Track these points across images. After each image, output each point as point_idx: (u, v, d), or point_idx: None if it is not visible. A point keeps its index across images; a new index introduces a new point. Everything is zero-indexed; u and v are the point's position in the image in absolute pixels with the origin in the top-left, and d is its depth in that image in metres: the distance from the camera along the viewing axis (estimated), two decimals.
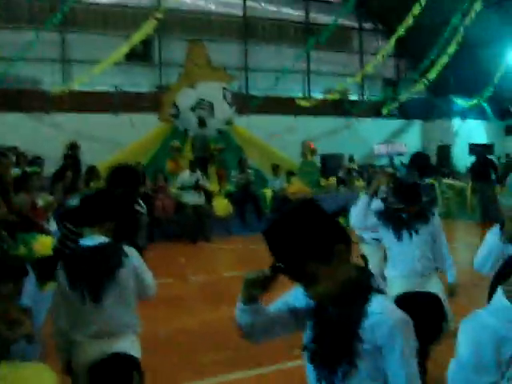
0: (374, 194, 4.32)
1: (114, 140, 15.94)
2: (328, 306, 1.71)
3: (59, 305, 3.10)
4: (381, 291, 1.71)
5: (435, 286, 4.00)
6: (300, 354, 1.79)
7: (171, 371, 4.93)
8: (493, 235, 2.96)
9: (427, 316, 3.42)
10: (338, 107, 22.14)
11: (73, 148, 12.85)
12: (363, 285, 1.69)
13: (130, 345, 3.07)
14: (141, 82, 20.01)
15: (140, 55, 20.17)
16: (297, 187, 13.46)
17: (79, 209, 3.24)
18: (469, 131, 23.19)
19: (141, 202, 4.72)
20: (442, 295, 3.95)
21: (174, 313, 6.72)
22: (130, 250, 3.18)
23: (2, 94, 16.84)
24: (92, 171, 11.04)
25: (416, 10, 15.50)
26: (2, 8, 17.53)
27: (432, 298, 3.86)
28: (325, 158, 18.38)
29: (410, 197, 4.05)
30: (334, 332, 1.68)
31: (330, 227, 1.67)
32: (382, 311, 1.63)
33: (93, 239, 3.06)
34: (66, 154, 12.22)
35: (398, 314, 1.65)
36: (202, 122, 14.06)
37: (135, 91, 19.29)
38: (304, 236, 1.63)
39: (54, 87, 16.84)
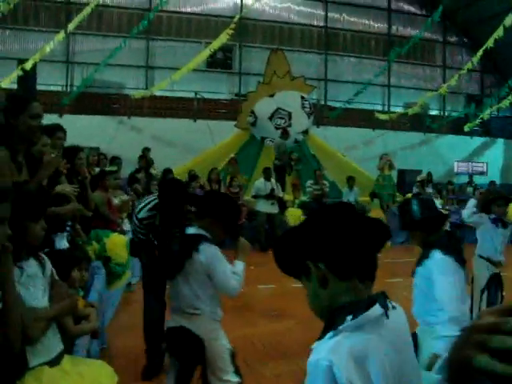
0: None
1: (191, 145, 16.17)
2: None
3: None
4: None
5: None
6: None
7: None
8: None
9: None
10: (418, 122, 21.63)
11: (145, 151, 13.17)
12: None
13: (196, 325, 3.43)
14: (220, 89, 20.28)
15: (220, 63, 20.47)
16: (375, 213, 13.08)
17: (200, 201, 3.84)
18: None
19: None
20: None
21: (239, 321, 6.65)
22: (206, 248, 3.45)
23: (89, 98, 17.51)
24: (167, 173, 11.21)
25: (508, 21, 14.86)
26: (94, 17, 18.20)
27: None
28: (402, 173, 17.94)
29: None
30: None
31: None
32: None
33: (193, 230, 3.55)
34: (141, 156, 12.53)
35: None
36: (285, 132, 14.02)
37: (214, 98, 19.54)
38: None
39: (136, 92, 17.32)
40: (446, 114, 23.96)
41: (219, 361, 3.47)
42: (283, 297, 8.08)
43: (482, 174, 21.55)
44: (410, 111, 19.88)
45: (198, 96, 18.57)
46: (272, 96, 15.12)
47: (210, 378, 3.44)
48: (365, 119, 20.50)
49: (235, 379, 3.52)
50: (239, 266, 3.47)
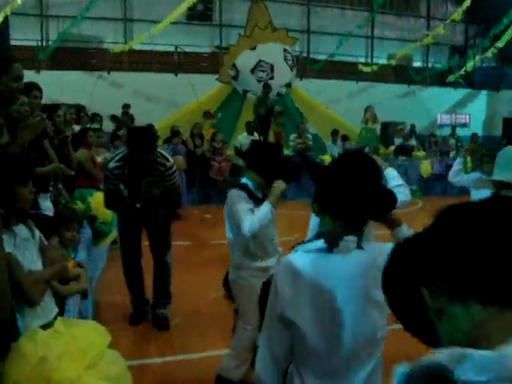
0: None
1: (172, 100, 15.96)
2: None
3: None
4: None
5: None
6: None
7: (219, 335, 4.89)
8: None
9: None
10: (401, 74, 21.51)
11: (125, 107, 12.97)
12: None
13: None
14: (201, 42, 19.87)
15: (200, 15, 20.00)
16: None
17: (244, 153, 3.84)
18: None
19: (164, 153, 4.98)
20: None
21: (223, 272, 6.68)
22: (230, 193, 3.67)
23: (66, 53, 17.11)
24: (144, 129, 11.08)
25: None
26: None
27: None
28: (385, 126, 17.91)
29: None
30: None
31: None
32: None
33: (244, 180, 3.63)
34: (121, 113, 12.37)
35: None
36: (267, 87, 13.79)
37: (195, 51, 19.19)
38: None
39: (115, 46, 16.94)
40: (430, 65, 23.80)
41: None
42: None
43: (464, 125, 21.57)
44: (394, 61, 19.73)
45: (178, 49, 18.21)
46: (254, 49, 14.89)
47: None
48: (348, 71, 20.31)
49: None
50: (263, 207, 3.44)
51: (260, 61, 14.72)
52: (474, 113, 22.23)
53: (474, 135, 16.67)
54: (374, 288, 1.69)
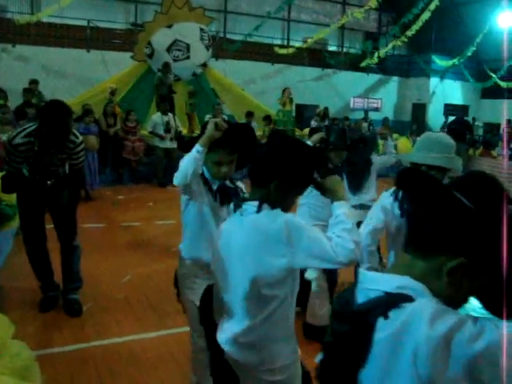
0: None
1: (84, 77, 15.38)
2: None
3: None
4: None
5: None
6: None
7: (135, 319, 4.77)
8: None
9: None
10: (316, 57, 21.79)
11: (32, 83, 12.35)
12: None
13: None
14: (115, 18, 19.19)
15: None
16: None
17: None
18: (445, 91, 23.09)
19: (76, 132, 4.75)
20: None
21: (138, 258, 6.55)
22: None
23: None
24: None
25: None
26: None
27: None
28: (300, 108, 18.10)
29: None
30: None
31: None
32: None
33: None
34: (26, 89, 11.76)
35: None
36: (167, 66, 13.48)
37: (109, 27, 18.53)
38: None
39: (20, 17, 16.02)
40: (345, 50, 24.27)
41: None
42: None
43: (376, 110, 22.23)
44: (309, 42, 19.90)
45: (91, 24, 17.52)
46: (170, 27, 14.52)
47: None
48: (264, 53, 20.35)
49: None
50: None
51: (176, 40, 14.38)
52: (386, 98, 22.95)
53: (386, 119, 17.15)
54: (260, 248, 2.00)
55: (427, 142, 3.08)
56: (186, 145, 3.10)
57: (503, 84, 19.60)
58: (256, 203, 2.06)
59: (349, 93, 21.86)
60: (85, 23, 17.46)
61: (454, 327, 1.07)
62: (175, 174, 2.84)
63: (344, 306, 1.25)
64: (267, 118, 14.20)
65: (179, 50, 14.50)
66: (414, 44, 22.51)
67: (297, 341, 2.26)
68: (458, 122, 15.63)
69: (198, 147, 2.81)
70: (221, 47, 18.69)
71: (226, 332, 2.17)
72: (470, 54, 18.57)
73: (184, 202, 3.16)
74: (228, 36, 20.85)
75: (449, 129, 15.78)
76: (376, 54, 20.43)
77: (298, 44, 21.38)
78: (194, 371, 3.26)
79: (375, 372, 1.17)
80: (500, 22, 18.09)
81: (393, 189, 3.21)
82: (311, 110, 18.23)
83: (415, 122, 21.27)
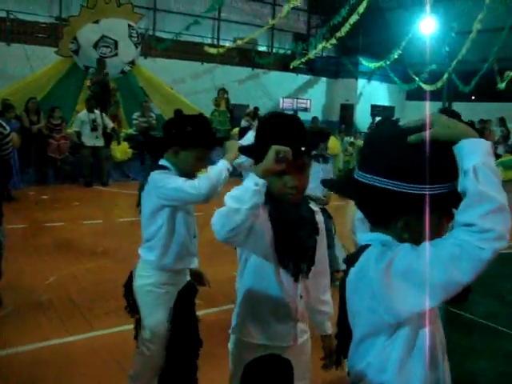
0: None
1: (4, 72, 14.75)
2: None
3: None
4: None
5: None
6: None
7: (60, 322, 4.58)
8: None
9: None
10: (246, 57, 21.86)
11: None
12: None
13: None
14: (38, 10, 18.48)
15: None
16: None
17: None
18: (372, 92, 23.69)
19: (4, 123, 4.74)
20: None
21: (64, 258, 6.33)
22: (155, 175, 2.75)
23: None
24: None
25: None
26: None
27: None
28: (231, 108, 18.07)
29: None
30: None
31: None
32: None
33: None
34: None
35: None
36: (101, 63, 13.15)
37: (31, 20, 17.84)
38: None
39: None
40: (274, 51, 24.45)
41: None
42: (109, 233, 7.83)
43: (305, 110, 22.56)
44: (239, 42, 19.91)
45: (11, 16, 16.82)
46: (97, 22, 14.11)
47: None
48: (194, 52, 20.23)
49: None
50: (217, 164, 2.61)
51: (103, 36, 13.99)
52: (315, 98, 23.33)
53: (315, 118, 17.37)
54: None
55: None
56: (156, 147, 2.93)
57: (426, 87, 20.30)
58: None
59: (278, 93, 22.06)
60: (4, 14, 16.74)
61: (393, 255, 1.27)
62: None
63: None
64: None
65: (107, 47, 14.13)
66: (342, 46, 22.99)
67: None
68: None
69: (226, 165, 2.53)
70: (150, 45, 18.43)
71: None
72: (396, 57, 19.08)
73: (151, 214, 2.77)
74: (157, 34, 20.57)
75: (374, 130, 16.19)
76: (305, 57, 20.70)
77: (228, 44, 21.37)
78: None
79: (349, 312, 1.44)
80: (422, 28, 18.72)
81: None
82: (241, 109, 18.21)
83: (343, 122, 21.72)
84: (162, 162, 2.77)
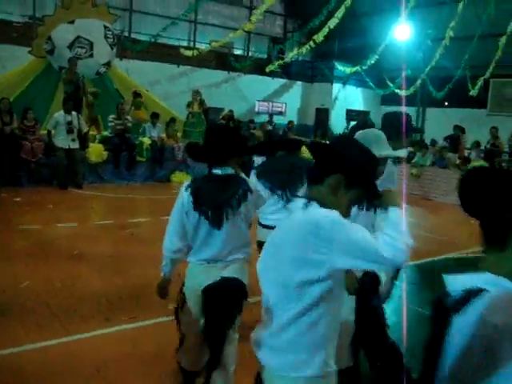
0: None
1: None
2: None
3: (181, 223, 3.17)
4: None
5: None
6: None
7: (34, 326, 4.50)
8: None
9: None
10: (222, 60, 21.87)
11: None
12: None
13: (240, 271, 3.17)
14: (11, 9, 18.23)
15: None
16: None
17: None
18: (347, 97, 23.86)
19: None
20: None
21: (39, 263, 6.23)
22: (249, 181, 3.30)
23: None
24: None
25: None
26: None
27: None
28: (205, 111, 18.03)
29: None
30: None
31: None
32: None
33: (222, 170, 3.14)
34: None
35: None
36: (72, 63, 12.98)
37: (4, 19, 17.58)
38: None
39: None
40: (250, 54, 24.50)
41: None
42: (84, 236, 7.74)
43: (280, 113, 22.64)
44: (215, 45, 19.88)
45: None
46: (72, 23, 13.97)
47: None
48: (170, 55, 20.16)
49: None
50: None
51: (79, 36, 13.84)
52: (290, 102, 23.40)
53: (290, 122, 17.47)
54: (301, 244, 1.90)
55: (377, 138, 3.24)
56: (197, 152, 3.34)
57: (400, 92, 20.53)
58: (303, 200, 2.00)
59: (254, 96, 22.09)
60: None
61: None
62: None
63: None
64: (172, 121, 14.06)
65: (82, 48, 13.99)
66: (318, 51, 23.09)
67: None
68: (360, 128, 16.15)
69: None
70: (125, 47, 18.32)
71: (257, 333, 2.10)
72: (371, 63, 19.25)
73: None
74: (133, 36, 20.47)
75: (349, 134, 16.28)
76: (281, 61, 20.78)
77: (204, 47, 21.34)
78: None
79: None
80: (397, 34, 18.93)
81: None
82: (216, 112, 18.20)
83: (318, 126, 21.86)
84: None
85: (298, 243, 1.91)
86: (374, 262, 1.89)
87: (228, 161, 3.12)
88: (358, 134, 3.26)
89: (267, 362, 2.04)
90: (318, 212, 1.93)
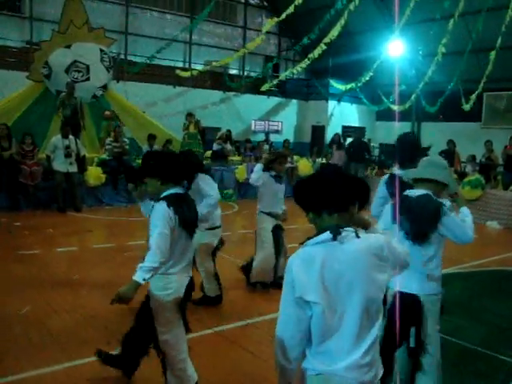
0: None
1: None
2: None
3: None
4: None
5: None
6: None
7: (36, 352, 4.54)
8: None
9: None
10: (218, 80, 22.04)
11: None
12: None
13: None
14: (8, 35, 18.46)
15: (8, 5, 18.62)
16: None
17: None
18: (342, 114, 24.00)
19: None
20: None
21: (39, 289, 6.24)
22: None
23: None
24: None
25: None
26: None
27: None
28: (202, 131, 18.16)
29: None
30: None
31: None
32: None
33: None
34: None
35: None
36: (70, 86, 13.14)
37: (2, 45, 17.78)
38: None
39: None
40: (245, 73, 24.69)
41: None
42: (84, 260, 7.79)
43: (277, 132, 22.77)
44: (211, 66, 20.06)
45: None
46: (69, 47, 14.14)
47: None
48: (166, 76, 20.35)
49: None
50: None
51: (75, 60, 14.00)
52: (286, 120, 23.55)
53: (286, 141, 17.57)
54: (372, 269, 2.14)
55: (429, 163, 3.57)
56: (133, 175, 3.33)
57: (395, 107, 20.68)
58: (350, 229, 2.18)
59: (250, 115, 22.24)
60: None
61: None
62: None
63: None
64: (169, 142, 14.19)
65: (79, 71, 14.15)
66: (313, 69, 23.30)
67: None
68: (356, 144, 16.31)
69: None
70: (122, 69, 18.49)
71: (345, 360, 2.16)
72: (365, 79, 19.41)
73: None
74: (129, 58, 20.67)
75: (346, 150, 16.42)
76: (276, 79, 20.95)
77: (199, 67, 21.55)
78: None
79: None
80: (390, 50, 19.10)
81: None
82: (213, 132, 18.34)
83: (315, 143, 21.97)
84: None
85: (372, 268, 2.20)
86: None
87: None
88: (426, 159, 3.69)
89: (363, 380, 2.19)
90: (372, 235, 2.31)
